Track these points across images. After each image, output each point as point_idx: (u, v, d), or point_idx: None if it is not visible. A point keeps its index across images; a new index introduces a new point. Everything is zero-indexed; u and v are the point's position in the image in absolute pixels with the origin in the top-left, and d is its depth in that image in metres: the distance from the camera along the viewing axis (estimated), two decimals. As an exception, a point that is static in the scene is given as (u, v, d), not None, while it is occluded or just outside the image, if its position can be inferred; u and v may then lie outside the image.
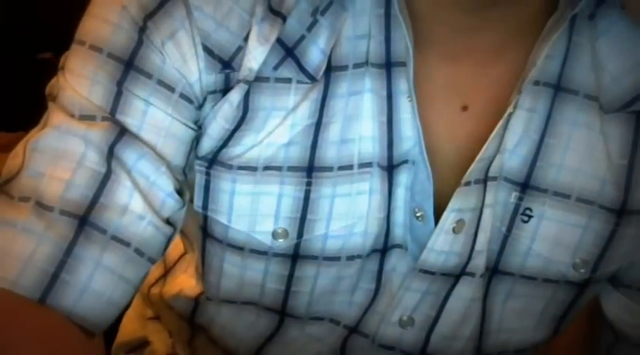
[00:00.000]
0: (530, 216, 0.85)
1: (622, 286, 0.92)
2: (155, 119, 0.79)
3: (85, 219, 0.77)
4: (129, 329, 1.03)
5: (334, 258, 0.85)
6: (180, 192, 0.81)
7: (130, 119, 0.78)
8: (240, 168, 0.82)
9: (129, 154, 0.78)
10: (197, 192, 0.84)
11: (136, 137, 0.78)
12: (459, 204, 0.84)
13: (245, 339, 0.91)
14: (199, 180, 0.83)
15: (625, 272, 0.90)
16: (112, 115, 0.78)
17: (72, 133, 0.78)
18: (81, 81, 0.79)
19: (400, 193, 0.83)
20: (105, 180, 0.77)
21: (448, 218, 0.84)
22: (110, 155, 0.78)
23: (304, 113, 0.81)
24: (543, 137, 0.84)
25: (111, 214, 0.77)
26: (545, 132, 0.84)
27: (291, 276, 0.86)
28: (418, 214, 0.84)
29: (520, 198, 0.85)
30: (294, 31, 0.79)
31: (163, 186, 0.79)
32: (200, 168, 0.83)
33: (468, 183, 0.83)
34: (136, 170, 0.78)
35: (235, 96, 0.80)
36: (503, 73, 0.82)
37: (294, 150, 0.82)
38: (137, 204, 0.78)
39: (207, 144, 0.82)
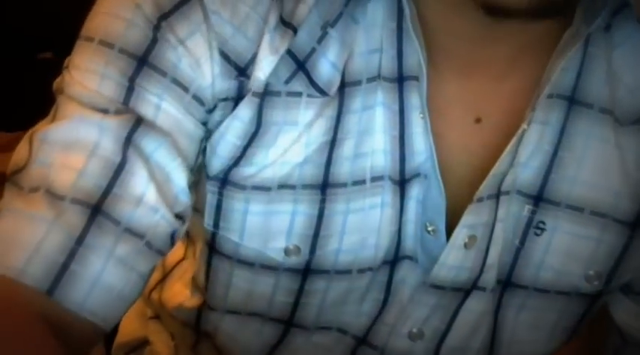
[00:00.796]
0: (543, 229, 0.85)
1: (633, 293, 0.92)
2: (168, 113, 0.77)
3: (97, 209, 0.75)
4: (129, 329, 1.02)
5: (346, 272, 0.85)
6: (191, 190, 0.80)
7: (144, 110, 0.76)
8: (254, 188, 0.81)
9: (147, 142, 0.76)
10: (208, 211, 0.82)
11: (153, 126, 0.77)
12: (472, 220, 0.83)
13: (250, 347, 0.90)
14: (210, 199, 0.82)
15: (636, 280, 0.90)
16: (125, 105, 0.76)
17: (86, 122, 0.76)
18: (89, 76, 0.77)
19: (412, 206, 0.83)
20: (119, 170, 0.75)
21: (460, 234, 0.83)
22: (127, 143, 0.76)
23: (319, 131, 0.80)
24: (557, 150, 0.83)
25: (125, 205, 0.75)
26: (558, 145, 0.83)
27: (301, 289, 0.85)
28: (430, 228, 0.84)
29: (533, 212, 0.84)
30: (304, 44, 0.78)
31: (177, 180, 0.78)
32: (212, 188, 0.82)
33: (480, 199, 0.82)
34: (153, 159, 0.76)
35: (245, 111, 0.79)
36: (516, 86, 0.82)
37: (308, 169, 0.81)
38: (152, 196, 0.76)
39: (217, 164, 0.81)
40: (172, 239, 0.79)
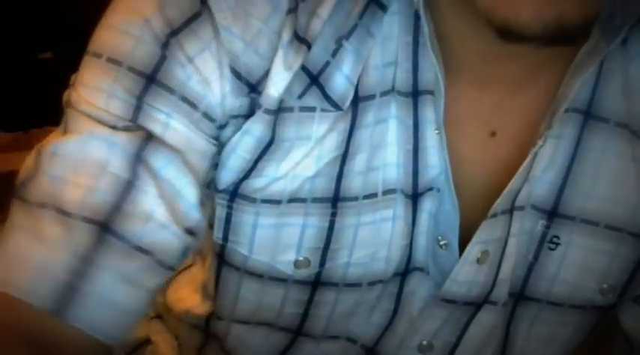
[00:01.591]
0: (557, 244, 0.84)
1: None
2: (177, 130, 0.76)
3: (106, 227, 0.74)
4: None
5: (356, 285, 0.84)
6: (202, 205, 0.79)
7: (153, 127, 0.76)
8: (264, 201, 0.80)
9: (156, 159, 0.76)
10: (217, 224, 0.82)
11: (162, 142, 0.76)
12: (485, 236, 0.83)
13: (259, 351, 0.90)
14: (220, 212, 0.81)
15: None
16: (133, 123, 0.76)
17: (95, 138, 0.75)
18: (97, 94, 0.76)
19: (424, 220, 0.82)
20: (129, 187, 0.75)
21: (473, 250, 0.83)
22: (137, 160, 0.75)
23: (331, 145, 0.79)
24: (571, 164, 0.82)
25: (134, 222, 0.75)
26: (573, 159, 0.82)
27: (310, 301, 0.85)
28: (442, 243, 0.83)
29: (547, 226, 0.84)
30: (318, 58, 0.77)
31: (188, 196, 0.77)
32: (221, 201, 0.81)
33: (494, 215, 0.82)
34: (162, 176, 0.76)
35: (257, 126, 0.78)
36: (532, 100, 0.81)
37: (319, 182, 0.80)
38: (161, 213, 0.76)
39: (227, 177, 0.80)
40: (184, 255, 0.79)
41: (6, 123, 2.07)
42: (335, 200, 0.81)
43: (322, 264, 0.82)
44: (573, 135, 0.82)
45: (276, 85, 0.77)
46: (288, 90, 0.77)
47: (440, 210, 0.82)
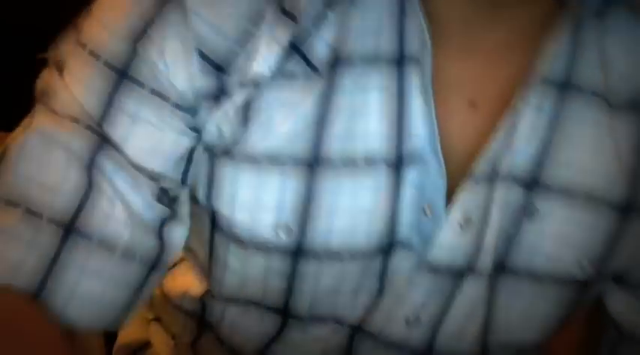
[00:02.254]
0: (535, 214, 0.86)
1: (627, 285, 0.92)
2: (143, 133, 0.81)
3: (70, 227, 0.81)
4: (130, 331, 1.03)
5: (337, 256, 0.86)
6: (170, 199, 0.84)
7: (118, 130, 0.81)
8: (244, 159, 0.83)
9: (108, 165, 0.81)
10: (201, 185, 0.85)
11: (116, 149, 0.81)
12: (467, 200, 0.84)
13: (252, 337, 0.91)
14: (203, 171, 0.85)
15: (630, 272, 0.90)
16: (99, 125, 0.80)
17: (55, 141, 0.81)
18: (78, 85, 0.82)
19: (408, 191, 0.84)
20: (88, 190, 0.81)
21: (456, 214, 0.85)
22: (91, 165, 0.81)
23: (308, 107, 0.82)
24: (551, 135, 0.85)
25: (95, 222, 0.82)
26: (553, 130, 0.85)
27: (293, 274, 0.86)
28: (427, 211, 0.85)
29: (527, 197, 0.86)
30: (303, 30, 0.81)
31: (144, 196, 0.82)
32: (204, 160, 0.85)
33: (475, 180, 0.84)
34: (115, 180, 0.81)
35: (239, 99, 0.82)
36: (512, 71, 0.83)
37: (297, 144, 0.83)
38: (120, 213, 0.81)
39: (211, 142, 0.84)
40: (160, 247, 0.84)
41: (6, 123, 2.07)
42: (313, 163, 0.83)
43: (302, 231, 0.85)
44: (552, 106, 0.84)
45: (267, 61, 0.81)
46: (274, 62, 0.81)
47: (426, 180, 0.84)
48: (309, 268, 0.87)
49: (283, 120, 0.83)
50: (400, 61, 0.82)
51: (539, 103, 0.84)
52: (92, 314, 0.83)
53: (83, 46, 0.82)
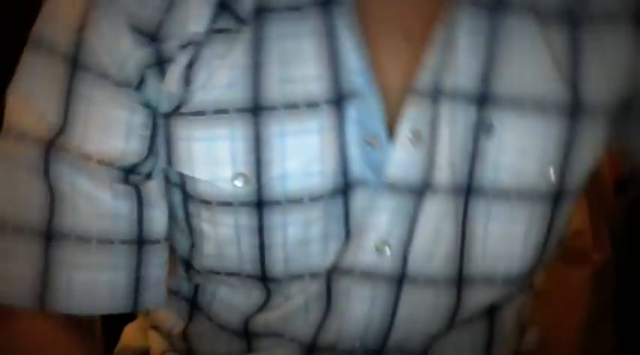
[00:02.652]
0: (492, 129, 0.88)
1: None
2: (99, 115, 0.85)
3: (49, 232, 0.86)
4: (130, 337, 1.04)
5: (297, 201, 0.87)
6: (141, 177, 0.88)
7: (76, 120, 0.85)
8: (191, 114, 0.86)
9: (63, 167, 0.85)
10: (162, 148, 0.88)
11: (68, 150, 0.85)
12: (413, 114, 0.86)
13: (239, 311, 0.94)
14: (161, 135, 0.88)
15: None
16: (55, 126, 0.85)
17: (14, 161, 0.87)
18: (32, 87, 0.86)
19: (351, 127, 0.86)
20: (53, 196, 0.86)
21: (405, 127, 0.86)
22: (47, 173, 0.85)
23: (239, 54, 0.85)
24: (492, 52, 0.87)
25: (66, 222, 0.86)
26: (492, 48, 0.87)
27: (261, 228, 0.88)
28: (372, 141, 0.86)
29: (480, 113, 0.87)
30: None
31: (106, 185, 0.86)
32: (161, 123, 0.87)
33: (418, 93, 0.86)
34: (74, 178, 0.85)
35: (184, 60, 0.85)
36: (446, 3, 0.86)
37: (237, 92, 0.85)
38: (85, 207, 0.86)
39: (164, 108, 0.87)
40: (135, 224, 0.88)
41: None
42: (255, 109, 0.85)
43: (259, 178, 0.86)
44: (488, 25, 0.87)
45: (200, 20, 0.84)
46: (207, 20, 0.85)
47: (366, 113, 0.86)
48: (274, 219, 0.88)
49: (221, 72, 0.85)
50: (326, 3, 0.85)
51: (475, 25, 0.86)
52: (95, 301, 0.88)
53: (38, 44, 0.86)
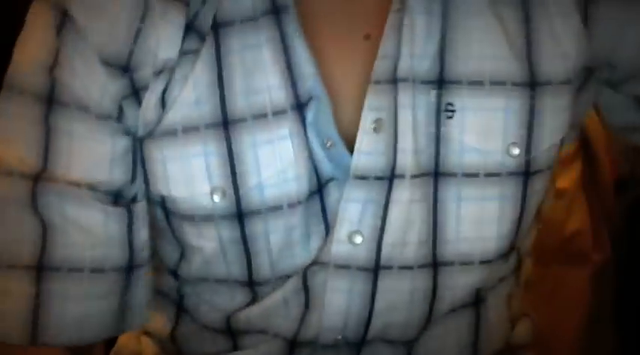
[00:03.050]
0: (453, 111, 0.88)
1: (623, 83, 0.94)
2: (82, 147, 0.86)
3: (40, 266, 0.86)
4: (124, 342, 1.04)
5: (277, 208, 0.88)
6: (128, 200, 0.88)
7: (59, 154, 0.86)
8: (163, 134, 0.87)
9: (52, 199, 0.86)
10: (139, 171, 0.88)
11: (56, 179, 0.86)
12: (375, 102, 0.87)
13: (225, 312, 0.94)
14: (136, 157, 0.88)
15: (617, 72, 0.93)
16: (36, 161, 0.86)
17: (2, 199, 0.87)
18: (10, 131, 0.87)
19: (311, 131, 0.87)
20: (44, 229, 0.86)
21: (367, 117, 0.87)
22: (36, 206, 0.86)
23: (202, 69, 0.86)
24: (445, 33, 0.88)
25: (58, 254, 0.86)
26: (445, 28, 0.88)
27: (244, 238, 0.88)
28: (328, 144, 0.87)
29: (439, 95, 0.88)
30: (192, 9, 0.86)
31: (96, 210, 0.86)
32: (137, 147, 0.88)
33: (378, 83, 0.87)
34: (64, 209, 0.86)
35: (159, 88, 0.86)
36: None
37: (204, 108, 0.86)
38: (77, 237, 0.86)
39: (140, 132, 0.87)
40: (126, 248, 0.87)
41: None
42: (225, 123, 0.87)
43: (236, 190, 0.87)
44: (439, 7, 0.88)
45: (173, 46, 0.86)
46: (176, 44, 0.86)
47: (321, 117, 0.87)
48: (256, 228, 0.89)
49: (187, 90, 0.86)
50: (275, 11, 0.86)
51: (428, 8, 0.88)
52: (85, 331, 0.88)
53: (10, 89, 0.87)
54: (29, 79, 0.86)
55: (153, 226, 0.91)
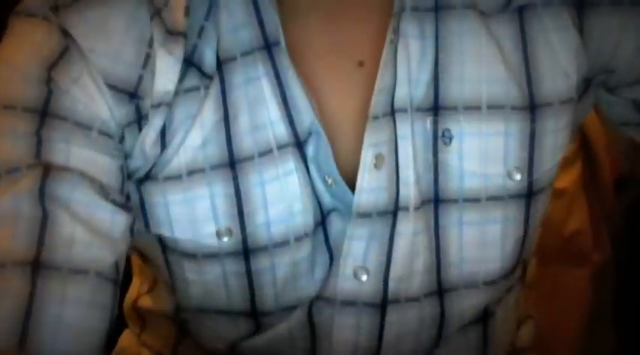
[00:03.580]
0: (450, 137, 0.87)
1: (620, 87, 0.92)
2: (79, 155, 0.82)
3: (37, 263, 0.79)
4: (128, 342, 1.04)
5: (283, 243, 0.86)
6: (127, 206, 0.84)
7: (56, 158, 0.81)
8: (166, 179, 0.84)
9: (61, 188, 0.80)
10: (136, 213, 0.85)
11: (63, 170, 0.81)
12: (374, 138, 0.85)
13: (227, 339, 0.92)
14: (134, 200, 0.85)
15: (614, 78, 0.91)
16: (36, 159, 0.81)
17: (1, 200, 0.80)
18: (2, 139, 0.82)
19: (312, 166, 0.86)
20: (44, 222, 0.79)
21: (367, 155, 0.85)
22: (42, 197, 0.80)
23: (209, 111, 0.84)
24: (437, 57, 0.86)
25: (59, 250, 0.79)
26: (437, 51, 0.86)
27: (249, 273, 0.87)
28: (329, 181, 0.86)
29: (435, 122, 0.86)
30: (188, 44, 0.83)
31: (106, 207, 0.81)
32: (132, 189, 0.85)
33: (376, 118, 0.85)
34: (73, 201, 0.80)
35: (157, 122, 0.83)
36: (387, 22, 0.85)
37: (210, 149, 0.84)
38: (80, 233, 0.80)
39: (136, 170, 0.85)
40: (121, 263, 0.82)
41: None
42: (232, 163, 0.84)
43: (243, 229, 0.85)
44: (432, 30, 0.86)
45: (171, 79, 0.83)
46: (174, 78, 0.83)
47: (320, 153, 0.85)
48: (262, 263, 0.87)
49: (194, 133, 0.84)
50: (268, 47, 0.85)
51: (420, 31, 0.85)
52: (81, 341, 0.80)
53: (6, 107, 0.83)
54: (19, 87, 0.83)
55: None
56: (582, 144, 1.52)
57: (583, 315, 1.51)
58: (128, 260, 0.91)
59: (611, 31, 0.88)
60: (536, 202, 0.90)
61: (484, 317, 0.94)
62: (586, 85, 0.90)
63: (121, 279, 0.83)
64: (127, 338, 1.03)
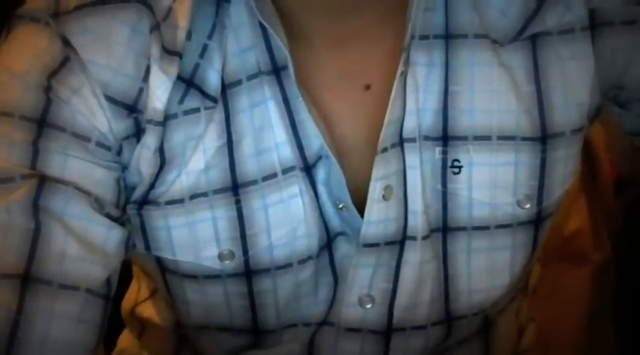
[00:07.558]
0: (459, 167, 0.86)
1: (631, 102, 0.92)
2: (76, 166, 0.80)
3: (27, 277, 0.77)
4: (127, 342, 1.04)
5: (286, 266, 0.86)
6: (122, 220, 0.83)
7: (52, 170, 0.80)
8: (168, 203, 0.84)
9: (55, 201, 0.79)
10: (136, 235, 0.85)
11: (58, 182, 0.79)
12: (382, 171, 0.85)
13: (230, 349, 0.92)
14: (135, 223, 0.85)
15: (624, 93, 0.90)
16: (32, 169, 0.79)
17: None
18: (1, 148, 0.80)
19: (322, 190, 0.85)
20: (36, 234, 0.78)
21: (376, 187, 0.85)
22: (35, 208, 0.79)
23: (213, 136, 0.83)
24: (447, 86, 0.85)
25: (50, 264, 0.78)
26: (447, 81, 0.85)
27: (251, 293, 0.87)
28: (340, 206, 0.85)
29: (444, 152, 0.86)
30: (189, 64, 0.82)
31: (100, 221, 0.80)
32: (132, 211, 0.85)
33: (385, 150, 0.84)
34: (67, 214, 0.79)
35: (150, 140, 0.82)
36: (393, 45, 0.84)
37: (213, 174, 0.83)
38: (73, 248, 0.79)
39: (134, 190, 0.84)
40: (113, 279, 0.81)
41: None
42: (235, 187, 0.84)
43: (245, 252, 0.85)
44: (441, 59, 0.85)
45: (160, 98, 0.81)
46: (170, 99, 0.81)
47: (330, 175, 0.85)
48: (265, 285, 0.87)
49: (195, 155, 0.83)
50: (276, 71, 0.84)
51: (429, 60, 0.84)
52: None
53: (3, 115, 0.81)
54: (17, 94, 0.81)
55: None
56: (582, 144, 1.51)
57: (583, 315, 1.50)
58: (128, 262, 0.91)
59: (623, 49, 0.86)
60: (545, 226, 0.90)
61: (486, 326, 0.94)
62: (598, 111, 0.89)
63: (118, 283, 0.83)
64: (126, 339, 1.03)
